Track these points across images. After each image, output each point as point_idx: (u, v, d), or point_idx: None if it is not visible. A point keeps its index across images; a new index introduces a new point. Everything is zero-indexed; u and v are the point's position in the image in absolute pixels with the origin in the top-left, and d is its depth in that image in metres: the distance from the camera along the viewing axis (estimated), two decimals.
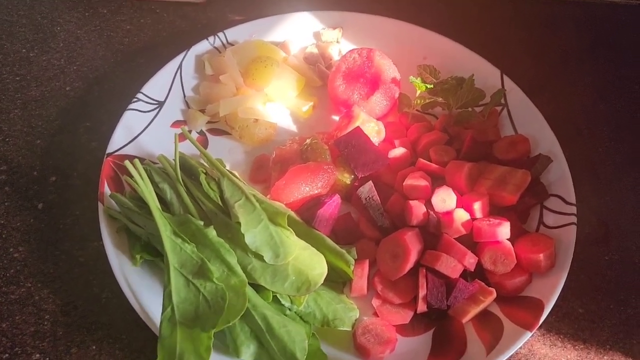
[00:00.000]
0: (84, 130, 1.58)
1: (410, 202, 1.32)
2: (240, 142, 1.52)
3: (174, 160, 1.32)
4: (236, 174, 1.40)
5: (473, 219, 1.31)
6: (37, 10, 1.85)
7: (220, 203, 1.27)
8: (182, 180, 1.32)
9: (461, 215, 1.29)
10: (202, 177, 1.30)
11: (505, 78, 1.57)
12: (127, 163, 1.26)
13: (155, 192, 1.30)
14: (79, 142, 1.55)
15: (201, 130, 1.54)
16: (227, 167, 1.45)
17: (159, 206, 1.25)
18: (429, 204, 1.32)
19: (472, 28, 1.80)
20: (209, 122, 1.55)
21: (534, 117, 1.50)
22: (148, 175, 1.31)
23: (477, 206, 1.30)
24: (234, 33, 1.64)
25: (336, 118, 1.57)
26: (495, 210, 1.35)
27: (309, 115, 1.58)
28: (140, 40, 1.79)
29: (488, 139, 1.47)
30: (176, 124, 1.55)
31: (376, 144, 1.47)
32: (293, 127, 1.57)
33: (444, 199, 1.30)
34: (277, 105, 1.57)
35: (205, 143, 1.54)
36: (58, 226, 1.41)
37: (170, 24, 1.83)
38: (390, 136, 1.51)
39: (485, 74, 1.56)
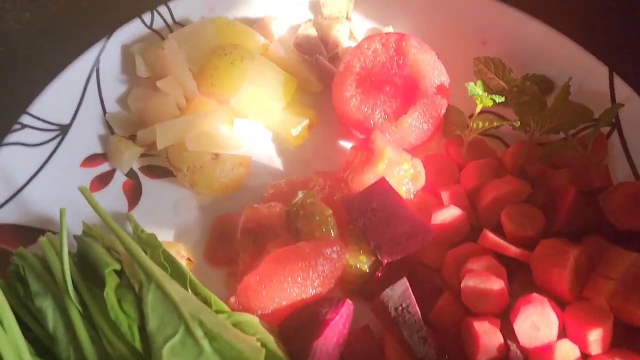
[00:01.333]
0: None
1: (476, 325, 0.84)
2: (192, 191, 1.07)
3: (61, 259, 0.76)
4: (182, 248, 0.99)
5: (585, 355, 0.80)
6: None
7: (137, 343, 0.76)
8: (78, 290, 0.79)
9: (566, 354, 0.80)
10: (110, 290, 0.78)
11: (617, 80, 1.06)
12: None
13: (30, 314, 0.76)
14: None
15: (131, 169, 1.08)
16: (170, 236, 1.01)
17: (25, 353, 0.70)
18: (506, 324, 0.82)
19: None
20: (143, 156, 1.10)
21: None
22: (20, 284, 0.80)
23: (593, 336, 0.80)
24: (182, 6, 1.18)
25: (347, 145, 1.11)
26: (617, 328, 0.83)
27: (302, 142, 1.13)
28: (47, 14, 1.28)
29: (592, 187, 0.97)
30: (91, 160, 1.08)
31: (411, 197, 1.00)
32: (277, 163, 1.11)
33: (537, 325, 0.81)
34: (251, 125, 1.13)
35: (136, 191, 1.07)
36: None
37: None
38: (433, 181, 1.01)
39: (583, 72, 1.08)
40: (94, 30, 1.18)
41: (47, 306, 0.79)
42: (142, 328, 0.77)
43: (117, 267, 0.82)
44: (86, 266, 0.84)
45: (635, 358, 0.78)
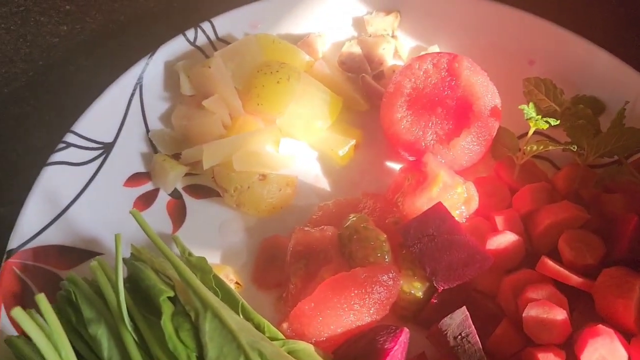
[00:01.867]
0: None
1: (540, 355, 0.80)
2: (239, 212, 1.03)
3: (115, 282, 0.74)
4: (230, 271, 0.96)
5: None
6: None
7: None
8: (132, 317, 0.76)
9: None
10: (166, 319, 0.74)
11: None
12: (16, 313, 0.67)
13: (84, 342, 0.74)
14: None
15: (175, 190, 1.05)
16: (216, 259, 0.97)
17: None
18: (570, 358, 0.79)
19: (604, 16, 1.24)
20: (187, 175, 1.07)
21: None
22: (73, 306, 0.77)
23: None
24: (226, 23, 1.15)
25: (394, 167, 1.08)
26: None
27: (348, 162, 1.10)
28: (85, 29, 1.27)
29: None
30: (134, 179, 1.04)
31: (463, 221, 0.96)
32: (324, 183, 1.08)
33: (605, 358, 0.75)
34: (298, 145, 1.11)
35: (181, 212, 1.03)
36: None
37: (129, 2, 1.29)
38: (484, 204, 0.98)
39: (634, 93, 1.04)
40: (133, 45, 1.18)
41: (101, 334, 0.76)
42: (200, 358, 0.75)
43: (171, 294, 0.79)
44: (138, 292, 0.80)
45: None
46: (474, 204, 0.96)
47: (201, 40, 1.12)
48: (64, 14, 1.27)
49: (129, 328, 0.76)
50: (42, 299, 0.72)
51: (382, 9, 1.19)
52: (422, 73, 1.01)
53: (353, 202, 1.00)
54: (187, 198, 1.03)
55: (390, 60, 1.17)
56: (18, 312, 0.69)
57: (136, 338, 0.76)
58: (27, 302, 0.84)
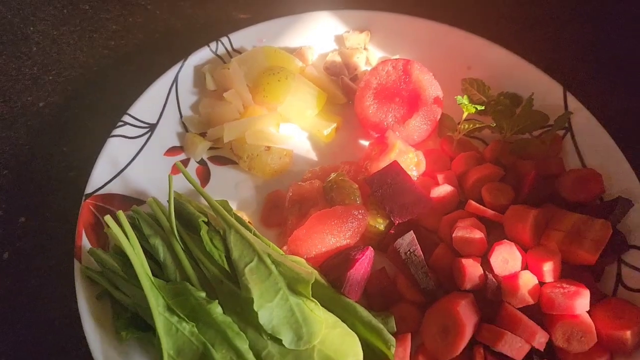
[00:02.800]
0: (60, 157, 1.34)
1: (463, 260, 1.08)
2: (249, 174, 1.30)
3: (168, 207, 1.05)
4: (244, 215, 1.19)
5: (541, 283, 1.06)
6: (7, 6, 1.58)
7: (226, 266, 1.02)
8: (179, 233, 1.06)
9: (527, 280, 1.05)
10: (204, 231, 1.04)
11: (569, 96, 1.31)
12: (107, 219, 0.99)
13: (145, 249, 1.04)
14: (54, 172, 1.31)
15: (202, 159, 1.31)
16: (234, 207, 1.22)
17: (149, 272, 0.99)
18: (485, 262, 1.08)
19: (525, 32, 1.54)
20: (211, 149, 1.33)
21: (605, 146, 1.25)
22: (136, 227, 1.06)
23: (547, 268, 1.06)
24: (240, 38, 1.42)
25: (365, 143, 1.34)
26: (565, 266, 1.09)
27: (331, 140, 1.36)
28: (129, 43, 1.54)
29: (550, 173, 1.23)
30: (171, 151, 1.31)
31: (415, 179, 1.24)
32: (312, 155, 1.34)
33: (506, 259, 1.06)
34: (293, 127, 1.36)
35: (206, 175, 1.30)
36: (28, 281, 1.16)
37: (164, 23, 1.57)
38: (431, 168, 1.27)
39: (544, 90, 1.32)
40: (166, 55, 1.42)
41: (158, 244, 1.05)
42: (228, 257, 1.02)
43: (205, 219, 1.09)
44: (181, 219, 1.09)
45: (573, 283, 1.03)
46: (422, 167, 1.24)
47: (221, 50, 1.38)
48: (112, 32, 1.54)
49: (177, 239, 1.07)
50: (121, 214, 1.04)
51: (357, 29, 1.44)
52: (384, 73, 1.29)
53: (334, 168, 1.25)
54: (210, 165, 1.29)
55: (362, 67, 1.42)
56: (108, 219, 1.01)
57: (182, 246, 1.06)
58: (99, 229, 1.13)
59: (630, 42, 1.54)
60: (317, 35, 1.45)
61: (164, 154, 1.29)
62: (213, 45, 1.39)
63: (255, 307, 0.94)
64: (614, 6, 1.59)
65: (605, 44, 1.53)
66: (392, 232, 1.17)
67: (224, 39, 1.40)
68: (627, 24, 1.56)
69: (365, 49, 1.45)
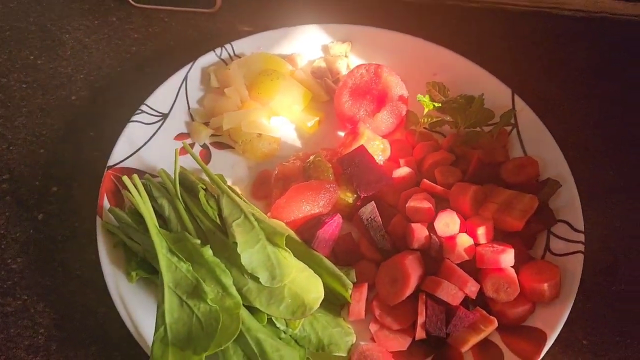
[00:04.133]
0: (87, 140, 1.58)
1: (412, 224, 1.29)
2: (244, 157, 1.51)
3: (174, 175, 1.30)
4: (237, 189, 1.39)
5: (476, 244, 1.28)
6: (47, 17, 1.85)
7: (218, 221, 1.25)
8: (181, 196, 1.30)
9: (464, 241, 1.26)
10: (202, 194, 1.28)
11: (516, 98, 1.53)
12: (125, 179, 1.25)
13: (154, 207, 1.28)
14: (82, 152, 1.55)
15: (204, 143, 1.54)
16: (229, 183, 1.44)
17: (156, 223, 1.23)
18: (431, 227, 1.30)
19: (485, 45, 1.77)
20: (212, 135, 1.53)
21: (544, 139, 1.46)
22: (147, 191, 1.30)
23: (481, 231, 1.27)
24: (241, 45, 1.63)
25: (342, 134, 1.54)
26: (501, 235, 1.32)
27: (314, 131, 1.56)
28: (147, 49, 1.79)
29: (496, 160, 1.44)
30: (180, 136, 1.53)
31: (381, 163, 1.45)
32: (297, 143, 1.55)
33: (447, 224, 1.27)
34: (282, 119, 1.55)
35: (208, 157, 1.52)
36: (56, 238, 1.40)
37: (179, 33, 1.82)
38: (395, 155, 1.48)
39: (496, 92, 1.52)
40: (179, 60, 1.61)
41: (164, 203, 1.28)
42: (220, 215, 1.25)
43: (203, 186, 1.33)
44: (184, 185, 1.32)
45: (502, 244, 1.24)
46: (387, 153, 1.44)
47: (224, 55, 1.60)
48: (133, 39, 1.77)
49: (180, 200, 1.31)
50: (135, 177, 1.29)
51: (340, 40, 1.65)
52: (359, 75, 1.50)
53: (314, 153, 1.44)
54: (212, 149, 1.49)
55: (344, 72, 1.60)
56: (126, 179, 1.26)
57: (183, 205, 1.29)
58: (117, 194, 1.36)
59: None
60: (306, 45, 1.65)
61: (174, 138, 1.50)
62: (218, 50, 1.62)
63: (239, 250, 1.17)
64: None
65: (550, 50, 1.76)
66: (359, 204, 1.37)
67: (227, 46, 1.63)
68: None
69: (346, 56, 1.64)
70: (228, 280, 1.16)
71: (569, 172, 1.40)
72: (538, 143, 1.47)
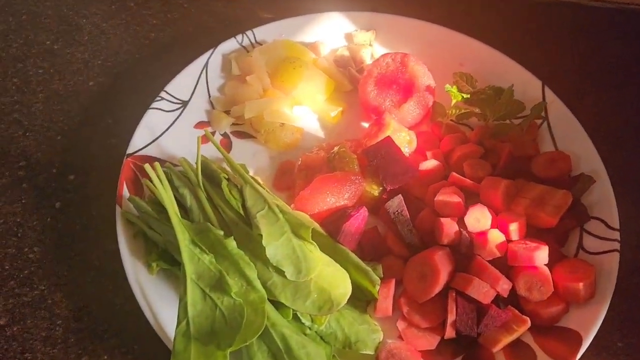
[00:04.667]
0: (105, 127, 1.54)
1: (442, 219, 1.25)
2: (265, 147, 1.47)
3: (196, 164, 1.26)
4: (259, 179, 1.35)
5: (508, 240, 1.24)
6: (64, 2, 1.82)
7: (241, 212, 1.22)
8: (203, 186, 1.26)
9: (496, 237, 1.22)
10: (224, 184, 1.24)
11: (547, 89, 1.49)
12: (146, 166, 1.21)
13: (175, 197, 1.25)
14: (100, 140, 1.52)
15: (225, 132, 1.50)
16: (251, 173, 1.39)
17: (178, 212, 1.19)
18: (461, 222, 1.25)
19: (512, 34, 1.72)
20: (233, 124, 1.50)
21: (576, 132, 1.42)
22: (168, 180, 1.27)
23: (513, 227, 1.23)
24: (262, 32, 1.59)
25: (366, 125, 1.50)
26: (532, 231, 1.27)
27: (337, 121, 1.52)
28: (166, 35, 1.74)
29: (526, 154, 1.40)
30: (200, 124, 1.49)
31: (407, 155, 1.40)
32: (320, 133, 1.51)
33: (478, 219, 1.23)
34: (305, 109, 1.52)
35: (228, 146, 1.48)
36: (74, 227, 1.37)
37: (198, 19, 1.77)
38: (422, 147, 1.44)
39: (526, 84, 1.47)
40: (198, 47, 1.56)
41: (186, 192, 1.24)
42: (243, 206, 1.21)
43: (226, 175, 1.30)
44: (205, 175, 1.28)
45: (535, 241, 1.20)
46: (414, 145, 1.40)
47: (246, 42, 1.56)
48: (152, 25, 1.74)
49: (202, 189, 1.27)
50: (157, 165, 1.25)
51: (364, 28, 1.61)
52: (384, 64, 1.46)
53: (338, 144, 1.40)
54: (233, 138, 1.46)
55: (368, 61, 1.56)
56: (148, 167, 1.22)
57: (205, 195, 1.25)
58: (137, 183, 1.32)
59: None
60: (329, 33, 1.62)
61: (194, 127, 1.46)
62: (239, 37, 1.58)
63: (264, 243, 1.13)
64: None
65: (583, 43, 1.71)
66: (385, 197, 1.33)
67: (249, 33, 1.59)
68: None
69: (370, 45, 1.60)
70: (252, 274, 1.12)
71: (603, 167, 1.35)
72: (569, 137, 1.42)
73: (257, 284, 1.12)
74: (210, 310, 1.09)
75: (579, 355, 1.12)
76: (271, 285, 1.13)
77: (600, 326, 1.16)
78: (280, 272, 1.13)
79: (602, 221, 1.29)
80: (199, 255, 1.14)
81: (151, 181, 1.21)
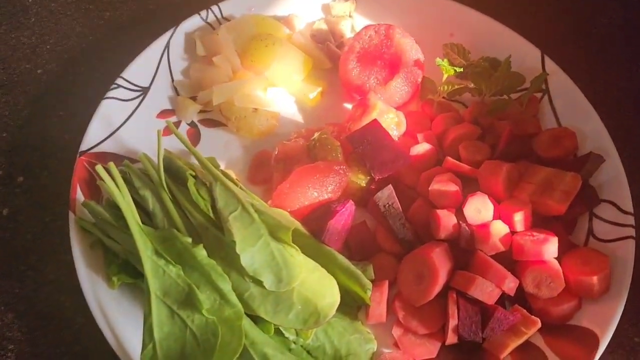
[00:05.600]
0: (56, 120, 1.40)
1: (438, 211, 1.13)
2: (238, 135, 1.35)
3: (158, 160, 1.11)
4: (232, 173, 1.24)
5: (513, 232, 1.11)
6: None
7: (211, 215, 1.08)
8: (168, 185, 1.12)
9: (499, 229, 1.10)
10: (191, 182, 1.10)
11: (547, 59, 1.35)
12: (99, 168, 1.06)
13: (136, 200, 1.10)
14: (51, 135, 1.37)
15: (192, 121, 1.36)
16: (222, 166, 1.27)
17: (139, 220, 1.05)
18: (459, 213, 1.13)
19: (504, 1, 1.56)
20: (201, 112, 1.37)
21: (581, 106, 1.29)
22: (126, 180, 1.11)
23: (518, 217, 1.11)
24: (229, 6, 1.45)
25: (349, 106, 1.38)
26: (536, 219, 1.15)
27: (316, 103, 1.40)
28: (123, 14, 1.58)
29: (527, 133, 1.26)
30: (163, 113, 1.35)
31: (396, 139, 1.27)
32: (298, 117, 1.39)
33: (479, 209, 1.11)
34: (280, 91, 1.39)
35: (196, 136, 1.34)
36: (25, 236, 1.23)
37: None
38: (412, 129, 1.31)
39: (523, 54, 1.35)
40: (160, 25, 1.41)
41: (147, 195, 1.10)
42: (213, 207, 1.08)
43: (193, 172, 1.15)
44: (169, 172, 1.14)
45: (543, 231, 1.09)
46: (403, 127, 1.28)
47: (211, 18, 1.41)
48: (107, 3, 1.58)
49: (166, 190, 1.12)
50: (112, 166, 1.09)
51: None
52: (367, 38, 1.33)
53: (319, 129, 1.28)
54: (201, 127, 1.33)
55: (348, 34, 1.44)
56: (100, 169, 1.07)
57: (170, 196, 1.11)
58: (92, 185, 1.18)
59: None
60: (304, 4, 1.48)
61: (156, 116, 1.33)
62: (204, 13, 1.43)
63: (238, 250, 0.99)
64: None
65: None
66: (373, 187, 1.21)
67: (214, 8, 1.44)
68: None
69: (350, 16, 1.48)
70: (226, 286, 1.00)
71: (612, 144, 1.23)
72: (574, 111, 1.30)
73: (233, 297, 0.99)
74: (179, 331, 0.96)
75: (597, 358, 1.00)
76: (248, 297, 1.00)
77: None
78: (259, 282, 1.00)
79: (614, 204, 1.17)
80: (164, 267, 1.00)
81: (106, 184, 1.05)
